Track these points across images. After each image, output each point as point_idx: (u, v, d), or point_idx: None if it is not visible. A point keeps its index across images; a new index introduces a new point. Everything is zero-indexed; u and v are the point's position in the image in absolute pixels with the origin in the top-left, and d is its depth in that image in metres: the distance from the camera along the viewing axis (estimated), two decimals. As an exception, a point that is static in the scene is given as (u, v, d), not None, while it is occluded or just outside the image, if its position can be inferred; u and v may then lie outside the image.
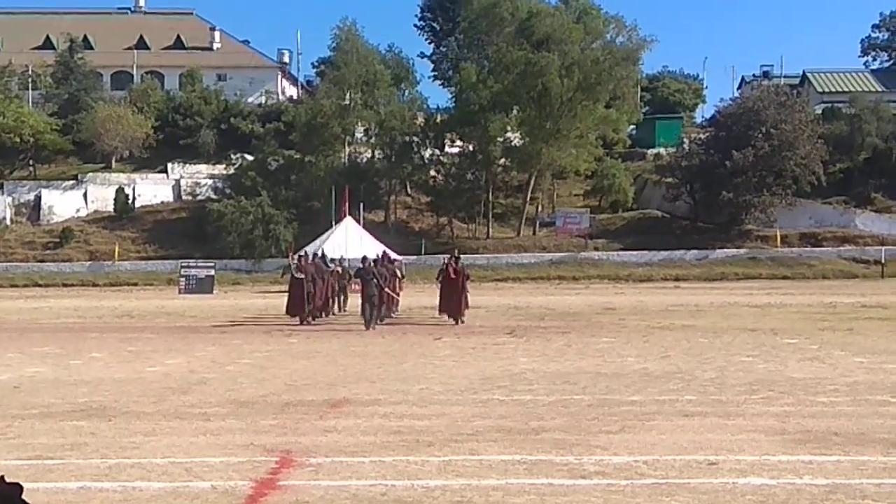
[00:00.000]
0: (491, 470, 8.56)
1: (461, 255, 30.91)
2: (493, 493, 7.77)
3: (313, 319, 27.89)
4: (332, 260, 33.07)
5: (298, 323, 27.10)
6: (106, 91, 75.06)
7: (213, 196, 64.06)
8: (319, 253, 33.63)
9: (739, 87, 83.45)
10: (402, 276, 32.53)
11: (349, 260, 34.76)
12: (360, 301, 26.60)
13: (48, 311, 33.98)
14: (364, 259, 27.97)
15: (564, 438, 9.92)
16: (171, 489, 8.01)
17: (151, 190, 66.50)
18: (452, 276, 26.99)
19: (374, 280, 25.86)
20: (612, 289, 48.00)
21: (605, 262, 57.98)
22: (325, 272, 29.72)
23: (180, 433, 10.44)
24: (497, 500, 7.62)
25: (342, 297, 32.06)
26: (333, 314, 30.46)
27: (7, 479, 3.20)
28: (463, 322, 26.45)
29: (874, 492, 7.78)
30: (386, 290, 26.90)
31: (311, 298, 27.73)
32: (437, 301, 28.04)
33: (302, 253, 32.46)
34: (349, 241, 39.88)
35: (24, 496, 3.25)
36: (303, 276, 27.56)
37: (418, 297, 35.16)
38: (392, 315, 28.60)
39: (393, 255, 35.13)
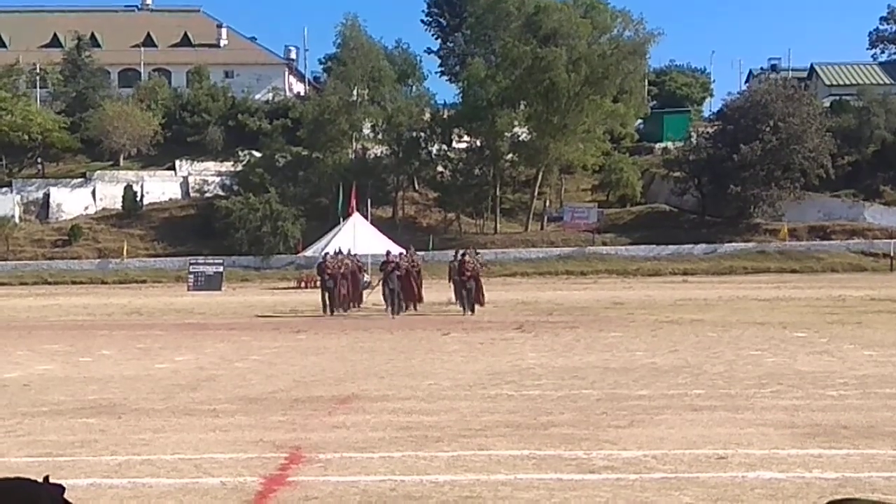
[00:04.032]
0: (500, 465, 8.56)
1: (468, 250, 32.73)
2: (501, 488, 7.77)
3: (336, 312, 29.29)
4: (355, 257, 33.82)
5: (323, 314, 28.94)
6: (113, 89, 75.09)
7: (221, 193, 64.15)
8: (339, 250, 33.84)
9: (747, 81, 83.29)
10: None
11: (357, 255, 35.05)
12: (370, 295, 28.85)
13: (57, 309, 34.08)
14: (388, 253, 30.58)
15: (573, 433, 9.92)
16: (181, 485, 8.02)
17: (159, 187, 66.60)
18: (465, 270, 28.92)
19: (395, 273, 28.32)
20: (621, 283, 47.98)
21: (613, 256, 57.95)
22: (347, 269, 30.73)
23: (189, 430, 10.47)
24: (506, 494, 7.62)
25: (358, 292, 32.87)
26: (355, 307, 31.51)
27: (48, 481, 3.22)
28: (471, 313, 27.79)
29: (884, 485, 7.76)
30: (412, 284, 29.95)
31: (334, 294, 29.64)
32: (452, 295, 30.71)
33: (330, 252, 33.24)
34: (358, 238, 39.84)
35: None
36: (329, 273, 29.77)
37: (426, 293, 35.13)
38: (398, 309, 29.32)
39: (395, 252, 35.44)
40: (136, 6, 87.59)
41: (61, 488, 3.13)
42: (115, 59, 77.62)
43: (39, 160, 69.39)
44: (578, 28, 60.21)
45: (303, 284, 47.01)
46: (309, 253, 44.22)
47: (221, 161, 67.95)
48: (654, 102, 76.90)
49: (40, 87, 74.13)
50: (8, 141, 65.39)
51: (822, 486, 7.72)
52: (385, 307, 28.77)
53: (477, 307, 28.67)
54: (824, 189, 61.81)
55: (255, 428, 10.52)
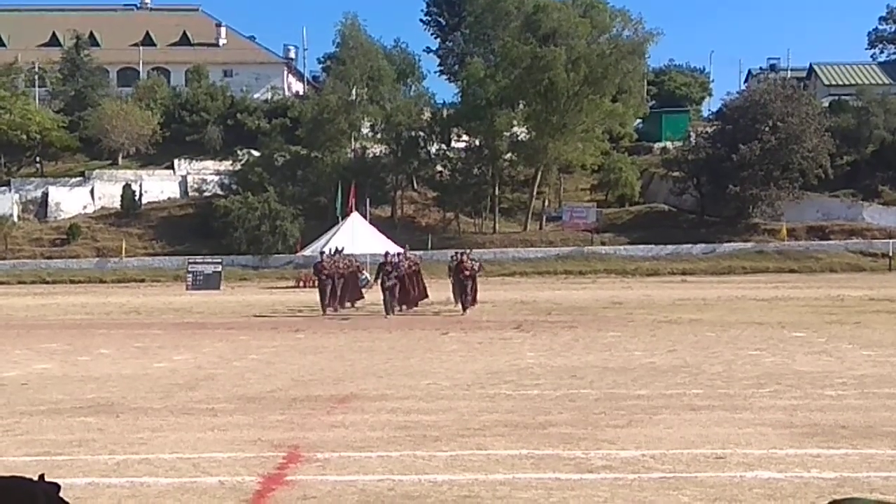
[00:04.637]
0: (498, 464, 8.56)
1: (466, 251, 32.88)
2: (500, 488, 7.77)
3: (335, 311, 29.49)
4: (350, 255, 33.78)
5: (322, 314, 28.85)
6: (112, 88, 75.11)
7: (220, 192, 64.13)
8: (335, 250, 33.83)
9: (746, 81, 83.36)
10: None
11: (354, 255, 35.06)
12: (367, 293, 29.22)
13: (56, 308, 34.06)
14: (386, 254, 30.32)
15: (571, 433, 9.92)
16: (179, 485, 8.02)
17: (158, 186, 66.58)
18: (463, 269, 28.93)
19: (393, 272, 28.12)
20: (619, 283, 47.97)
21: (611, 256, 57.95)
22: (345, 268, 30.80)
23: (188, 429, 10.46)
24: (504, 494, 7.61)
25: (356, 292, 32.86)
26: (353, 306, 31.54)
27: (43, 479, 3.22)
28: (464, 313, 27.88)
29: (882, 485, 7.76)
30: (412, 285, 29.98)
31: (331, 292, 29.64)
32: (451, 294, 30.80)
33: (326, 251, 33.18)
34: (356, 237, 39.88)
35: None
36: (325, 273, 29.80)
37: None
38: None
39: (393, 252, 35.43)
40: (135, 5, 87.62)
41: (57, 486, 3.13)
42: (113, 57, 77.65)
43: (38, 159, 69.36)
44: (577, 27, 60.19)
45: (301, 284, 47.01)
46: (308, 252, 44.19)
47: (220, 160, 67.97)
48: (653, 102, 76.86)
49: (39, 86, 74.10)
50: (6, 140, 65.37)
51: (821, 486, 7.73)
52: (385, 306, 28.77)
53: (470, 308, 28.68)
54: (823, 189, 61.83)
55: (253, 427, 10.52)
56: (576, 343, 19.43)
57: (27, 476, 3.12)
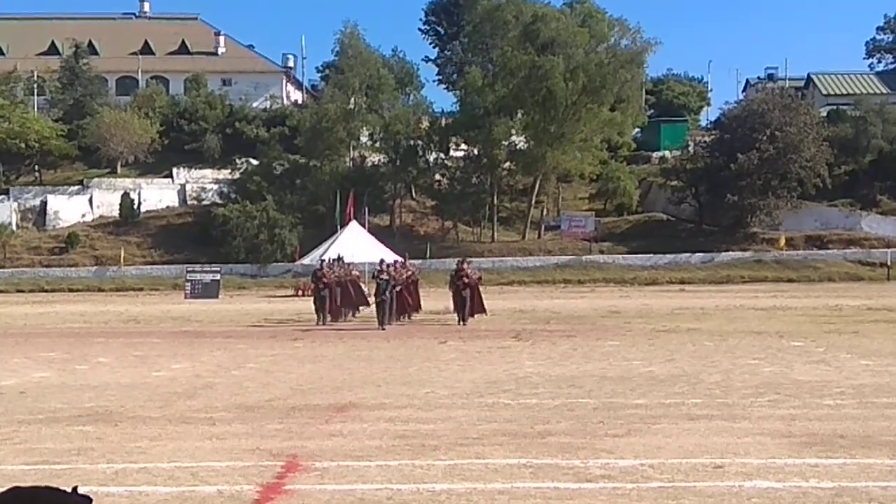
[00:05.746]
0: (496, 474, 8.56)
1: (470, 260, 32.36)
2: (498, 497, 7.77)
3: (336, 320, 29.43)
4: (350, 264, 33.56)
5: (317, 323, 28.72)
6: (111, 96, 75.15)
7: (219, 201, 64.12)
8: (338, 256, 33.73)
9: (744, 90, 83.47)
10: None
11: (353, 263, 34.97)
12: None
13: (54, 317, 34.04)
14: (381, 262, 29.73)
15: (570, 442, 9.92)
16: (178, 494, 8.02)
17: (157, 195, 66.57)
18: (462, 277, 28.40)
19: (387, 282, 27.39)
20: (618, 292, 47.99)
21: (610, 265, 57.97)
22: (343, 277, 30.64)
23: (186, 438, 10.46)
24: (503, 503, 7.62)
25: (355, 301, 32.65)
26: (353, 316, 31.32)
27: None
28: (464, 324, 27.44)
29: (880, 495, 7.77)
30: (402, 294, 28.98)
31: (330, 301, 29.41)
32: (450, 304, 29.94)
33: (324, 259, 32.98)
34: (355, 246, 39.88)
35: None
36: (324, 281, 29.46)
37: (423, 301, 35.10)
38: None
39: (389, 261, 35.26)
40: (134, 14, 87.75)
41: (88, 500, 3.14)
42: (112, 66, 77.72)
43: (37, 167, 69.37)
44: (576, 37, 60.31)
45: (300, 292, 47.01)
46: (306, 261, 44.22)
47: (219, 169, 67.96)
48: (652, 111, 77.03)
49: (38, 95, 74.11)
50: (5, 148, 65.36)
51: (819, 496, 7.73)
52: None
53: (478, 316, 28.33)
54: (821, 198, 61.92)
55: (251, 436, 10.52)
56: (574, 352, 19.43)
57: (60, 487, 3.13)
